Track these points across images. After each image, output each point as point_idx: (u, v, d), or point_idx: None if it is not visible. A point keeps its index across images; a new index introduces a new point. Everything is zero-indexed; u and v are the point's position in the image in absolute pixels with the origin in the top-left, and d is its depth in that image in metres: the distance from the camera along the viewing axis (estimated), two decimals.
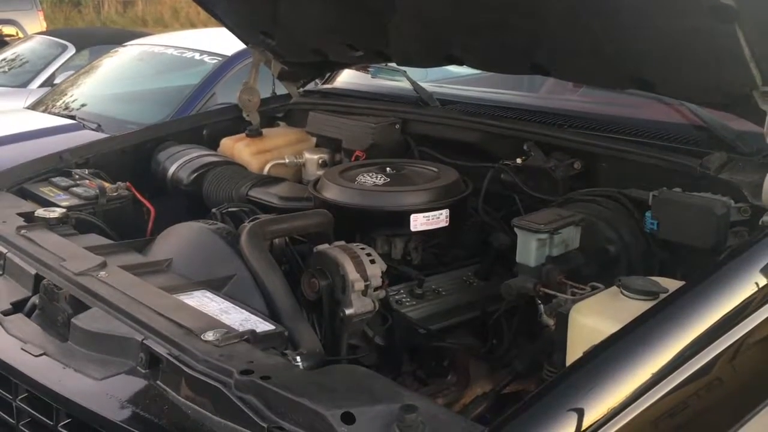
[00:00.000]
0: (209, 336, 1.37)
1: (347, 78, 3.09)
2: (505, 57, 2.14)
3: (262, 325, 1.51)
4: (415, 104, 2.63)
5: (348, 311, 1.80)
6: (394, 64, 2.66)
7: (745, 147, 1.91)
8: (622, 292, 1.47)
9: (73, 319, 1.53)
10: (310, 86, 3.13)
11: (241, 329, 1.46)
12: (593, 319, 1.39)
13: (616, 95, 2.37)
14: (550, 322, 1.88)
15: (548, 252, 1.86)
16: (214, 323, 1.45)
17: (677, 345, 1.26)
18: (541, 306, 2.07)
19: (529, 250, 1.83)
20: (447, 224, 2.09)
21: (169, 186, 2.60)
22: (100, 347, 1.47)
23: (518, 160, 2.24)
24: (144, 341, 1.40)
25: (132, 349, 1.42)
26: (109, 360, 1.44)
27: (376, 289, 1.84)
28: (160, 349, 1.37)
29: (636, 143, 2.06)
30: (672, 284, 1.48)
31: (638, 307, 1.40)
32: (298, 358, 1.43)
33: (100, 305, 1.54)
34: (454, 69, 3.17)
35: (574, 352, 1.42)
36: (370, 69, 3.05)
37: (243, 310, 1.58)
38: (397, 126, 2.58)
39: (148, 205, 2.40)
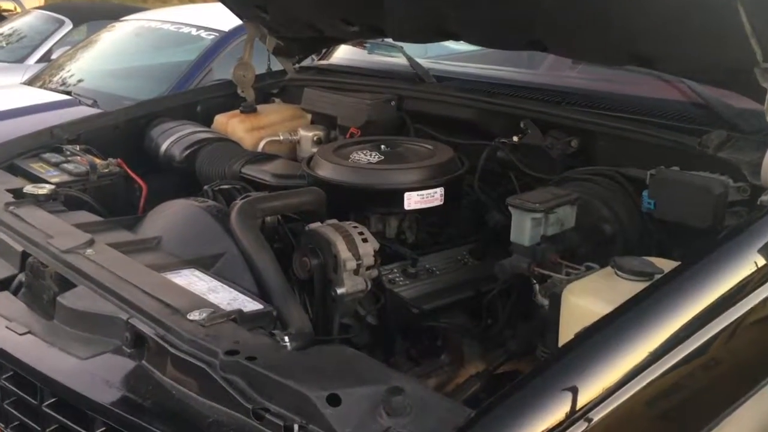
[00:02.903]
0: (195, 315, 1.35)
1: (343, 54, 3.04)
2: (502, 33, 2.10)
3: (251, 305, 1.48)
4: (411, 81, 2.59)
5: (339, 290, 1.77)
6: (390, 40, 2.61)
7: (745, 125, 1.87)
8: (616, 273, 1.45)
9: (58, 298, 1.51)
10: (306, 62, 3.09)
11: (228, 309, 1.44)
12: (586, 300, 1.37)
13: (615, 72, 2.31)
14: (545, 302, 1.86)
15: (543, 231, 1.83)
16: (200, 302, 1.42)
17: (672, 325, 1.23)
18: (536, 286, 2.06)
19: (524, 229, 1.80)
20: (442, 203, 2.06)
21: (162, 162, 2.57)
22: (86, 326, 1.45)
23: (515, 138, 2.20)
24: (129, 320, 1.38)
25: (117, 328, 1.40)
26: (95, 339, 1.42)
27: (368, 268, 1.82)
28: (146, 329, 1.35)
29: (634, 121, 2.02)
30: (667, 265, 1.45)
31: (632, 287, 1.37)
32: (286, 338, 1.40)
33: (86, 283, 1.52)
34: (453, 45, 3.13)
35: (566, 333, 1.40)
36: (366, 45, 3.00)
37: (231, 290, 1.56)
38: (393, 103, 2.54)
39: (139, 181, 2.37)
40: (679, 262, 1.48)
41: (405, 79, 2.62)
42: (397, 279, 2.01)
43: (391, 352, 1.94)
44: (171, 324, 1.32)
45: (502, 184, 2.28)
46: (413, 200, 2.02)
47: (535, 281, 2.04)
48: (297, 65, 3.05)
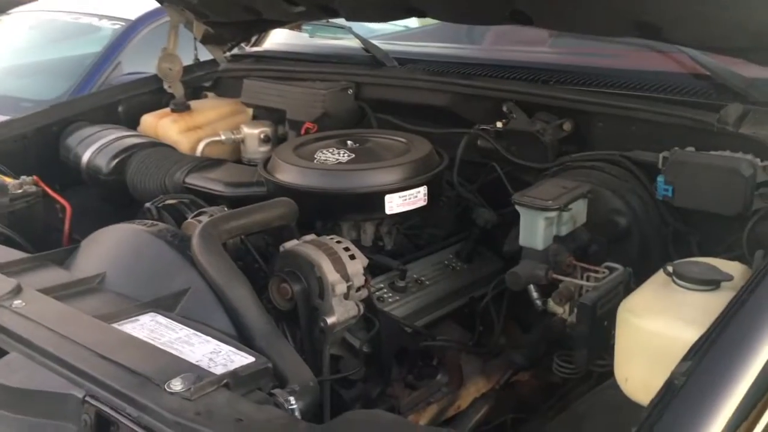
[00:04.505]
0: (177, 385, 1.04)
1: (281, 38, 2.72)
2: (479, 4, 1.84)
3: (238, 357, 1.19)
4: (368, 65, 2.30)
5: (330, 320, 1.50)
6: (340, 20, 2.32)
7: (759, 96, 1.68)
8: (674, 282, 1.22)
9: None
10: (236, 50, 2.75)
11: (212, 367, 1.14)
12: (654, 321, 1.14)
13: (593, 44, 2.11)
14: (559, 310, 1.65)
15: (556, 231, 1.60)
16: (178, 364, 1.12)
17: None
18: (531, 287, 1.85)
19: (536, 230, 1.57)
20: (425, 203, 1.80)
21: (85, 176, 2.21)
22: (26, 408, 1.12)
23: (498, 124, 1.96)
24: (87, 398, 1.06)
25: (71, 409, 1.07)
26: (40, 425, 1.09)
27: (358, 289, 1.55)
28: (111, 409, 1.03)
29: (636, 98, 1.81)
30: (731, 267, 1.25)
31: (702, 300, 1.16)
32: (292, 399, 1.12)
33: (21, 348, 1.18)
34: (375, 25, 2.78)
35: (634, 362, 1.16)
36: (306, 27, 2.69)
37: (208, 338, 1.26)
38: (350, 91, 2.25)
39: (62, 201, 2.01)
40: (739, 264, 1.29)
41: (360, 63, 2.33)
42: (385, 296, 1.75)
43: (387, 380, 1.68)
44: (145, 400, 1.01)
45: (481, 177, 2.04)
46: (395, 203, 1.76)
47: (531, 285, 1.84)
48: (228, 53, 2.71)
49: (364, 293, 1.57)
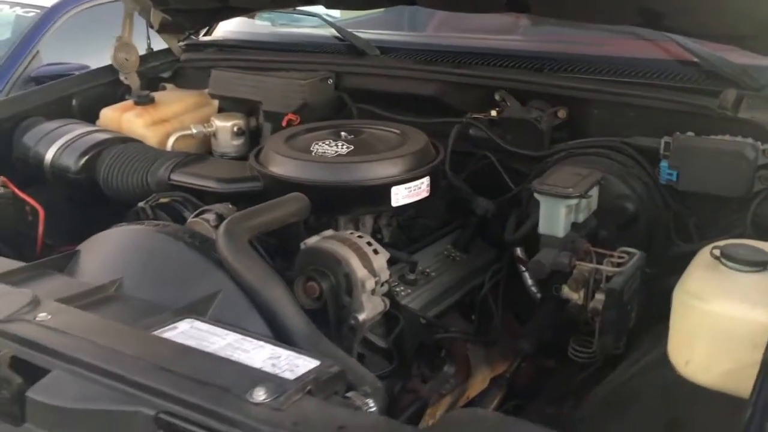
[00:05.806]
0: (260, 395, 0.97)
1: (232, 26, 2.61)
2: None
3: (302, 361, 1.12)
4: (348, 54, 2.24)
5: (360, 317, 1.46)
6: (315, 9, 2.25)
7: (751, 82, 1.75)
8: (723, 263, 1.25)
9: (28, 392, 1.05)
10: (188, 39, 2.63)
11: (279, 373, 1.08)
12: (721, 304, 1.15)
13: (571, 32, 2.14)
14: (574, 296, 1.66)
15: (574, 218, 1.61)
16: (250, 373, 1.05)
17: None
18: (527, 275, 1.88)
19: (557, 218, 1.58)
20: (428, 194, 1.78)
21: (50, 175, 2.04)
22: (86, 430, 1.02)
23: (492, 113, 1.95)
24: (160, 415, 0.98)
25: (140, 428, 0.99)
26: None
27: (382, 284, 1.52)
28: (191, 425, 0.96)
29: (632, 84, 1.84)
30: (765, 247, 1.29)
31: (757, 281, 1.19)
32: (371, 402, 1.08)
33: (64, 365, 1.07)
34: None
35: (697, 345, 1.18)
36: (266, 15, 2.60)
37: (261, 342, 1.19)
38: (330, 81, 2.19)
39: (34, 204, 1.85)
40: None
41: (337, 52, 2.26)
42: (397, 289, 1.71)
43: (409, 375, 1.66)
44: (233, 413, 0.94)
45: (470, 166, 2.03)
46: (401, 195, 1.73)
47: (525, 268, 1.87)
48: (182, 42, 2.59)
49: (385, 288, 1.54)
